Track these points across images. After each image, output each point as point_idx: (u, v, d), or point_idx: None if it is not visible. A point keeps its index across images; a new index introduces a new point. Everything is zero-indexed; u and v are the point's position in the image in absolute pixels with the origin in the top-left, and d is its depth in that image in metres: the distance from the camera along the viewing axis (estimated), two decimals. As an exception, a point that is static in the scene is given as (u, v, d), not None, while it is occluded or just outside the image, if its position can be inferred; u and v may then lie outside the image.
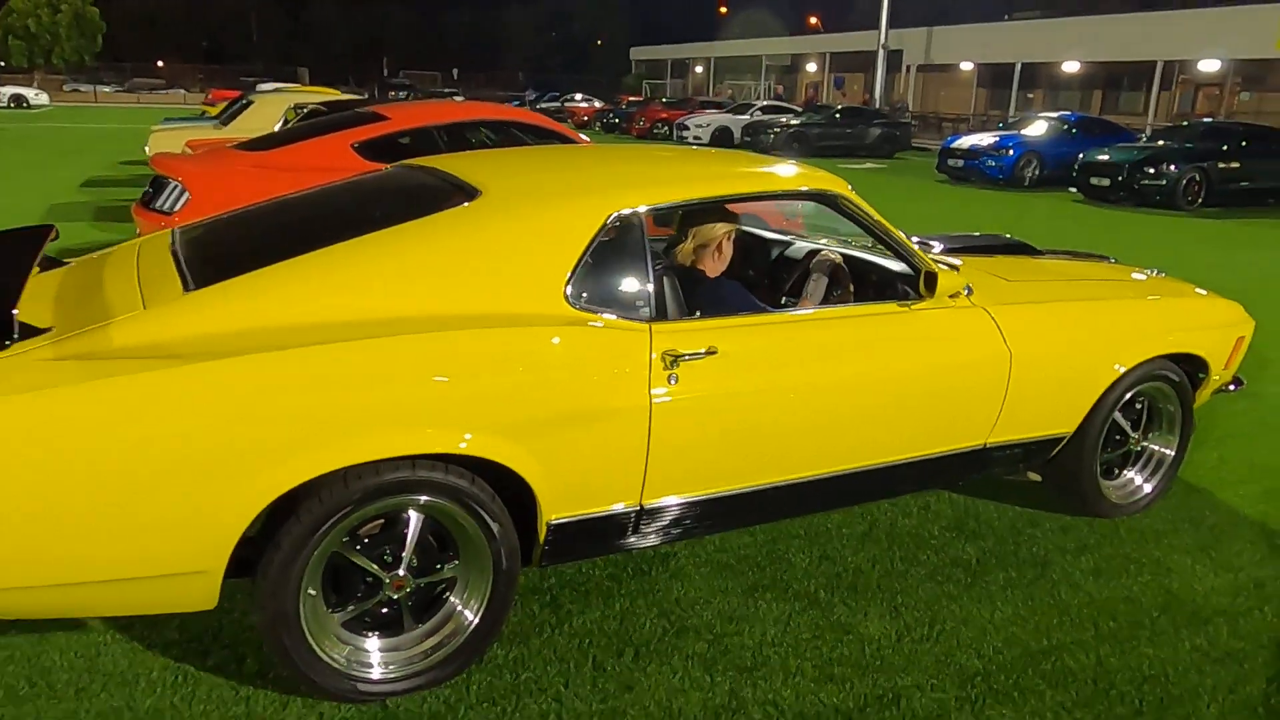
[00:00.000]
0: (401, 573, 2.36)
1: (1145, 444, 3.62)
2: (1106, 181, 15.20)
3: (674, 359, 2.47)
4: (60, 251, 3.06)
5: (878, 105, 31.29)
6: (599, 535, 2.57)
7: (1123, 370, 3.32)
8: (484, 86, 60.69)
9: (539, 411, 2.33)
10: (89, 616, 2.53)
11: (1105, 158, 15.61)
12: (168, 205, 5.30)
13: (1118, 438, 3.53)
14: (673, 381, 2.47)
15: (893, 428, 2.91)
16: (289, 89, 13.82)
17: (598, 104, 39.64)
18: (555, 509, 2.43)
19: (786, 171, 2.98)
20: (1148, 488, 3.60)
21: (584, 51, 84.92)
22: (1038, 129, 18.79)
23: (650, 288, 2.55)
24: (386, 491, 2.22)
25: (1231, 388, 3.81)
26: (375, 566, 2.33)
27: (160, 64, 68.02)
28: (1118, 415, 3.45)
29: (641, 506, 2.56)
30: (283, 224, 2.88)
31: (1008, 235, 4.28)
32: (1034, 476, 3.71)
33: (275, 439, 2.07)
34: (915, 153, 26.01)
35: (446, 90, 48.13)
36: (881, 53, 33.93)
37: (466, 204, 2.53)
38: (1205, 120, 19.19)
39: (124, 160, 16.37)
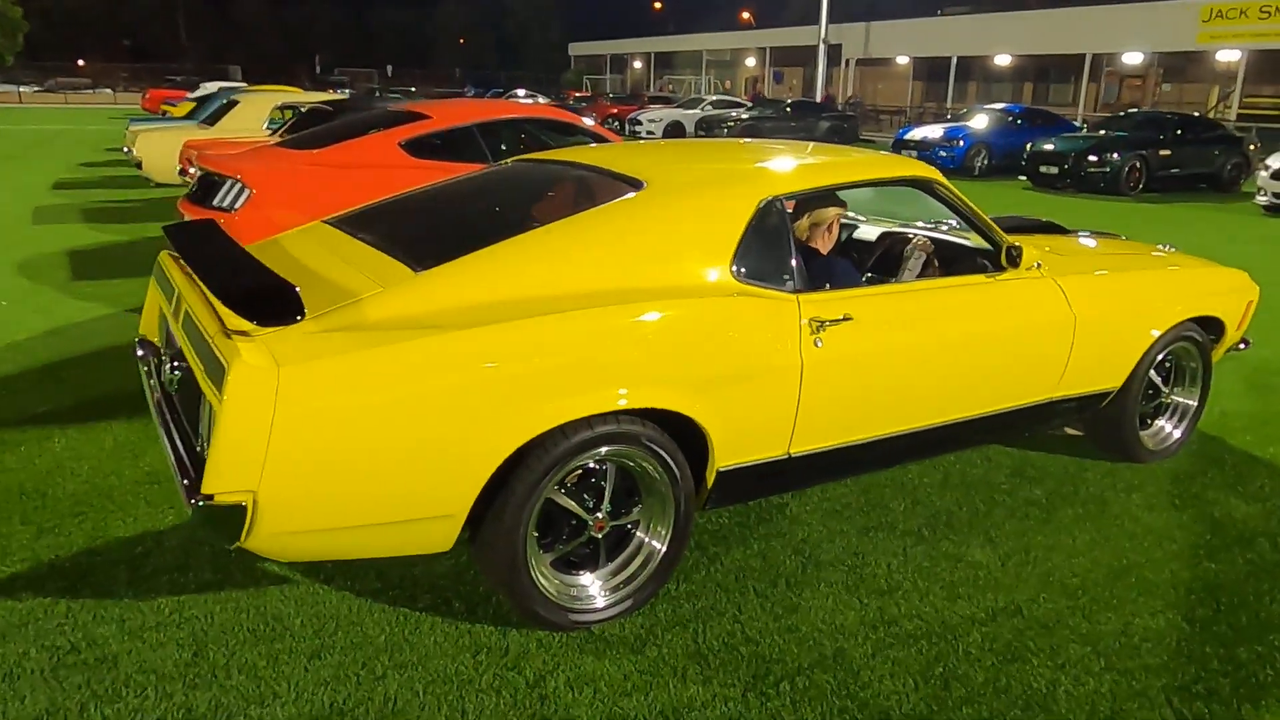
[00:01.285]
0: (601, 515, 2.70)
1: (1173, 397, 4.11)
2: (1054, 169, 16.02)
3: (819, 324, 2.85)
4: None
5: (819, 99, 32.05)
6: (754, 481, 2.94)
7: (1159, 333, 3.80)
8: (420, 84, 60.13)
9: (716, 371, 2.69)
10: (345, 559, 2.78)
11: (1052, 147, 16.44)
12: (227, 202, 5.49)
13: (1150, 392, 4.01)
14: (818, 345, 2.85)
15: (986, 383, 3.34)
16: (267, 90, 13.79)
17: (542, 100, 39.76)
18: (724, 458, 2.79)
19: (888, 161, 3.38)
20: (1177, 434, 4.10)
21: (518, 48, 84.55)
22: (984, 121, 19.61)
23: (794, 263, 2.92)
24: (596, 443, 2.55)
25: (1241, 346, 4.33)
26: (581, 510, 2.66)
27: (81, 63, 65.88)
28: (1152, 372, 3.93)
29: (789, 455, 2.94)
30: (464, 212, 3.19)
31: (1043, 218, 4.75)
32: (1073, 431, 4.20)
33: (517, 397, 2.39)
34: (862, 145, 26.78)
35: (394, 90, 47.60)
36: (822, 47, 34.75)
37: (636, 193, 2.87)
38: (1143, 111, 20.21)
39: (83, 162, 16.12)
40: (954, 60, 34.38)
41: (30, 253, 7.94)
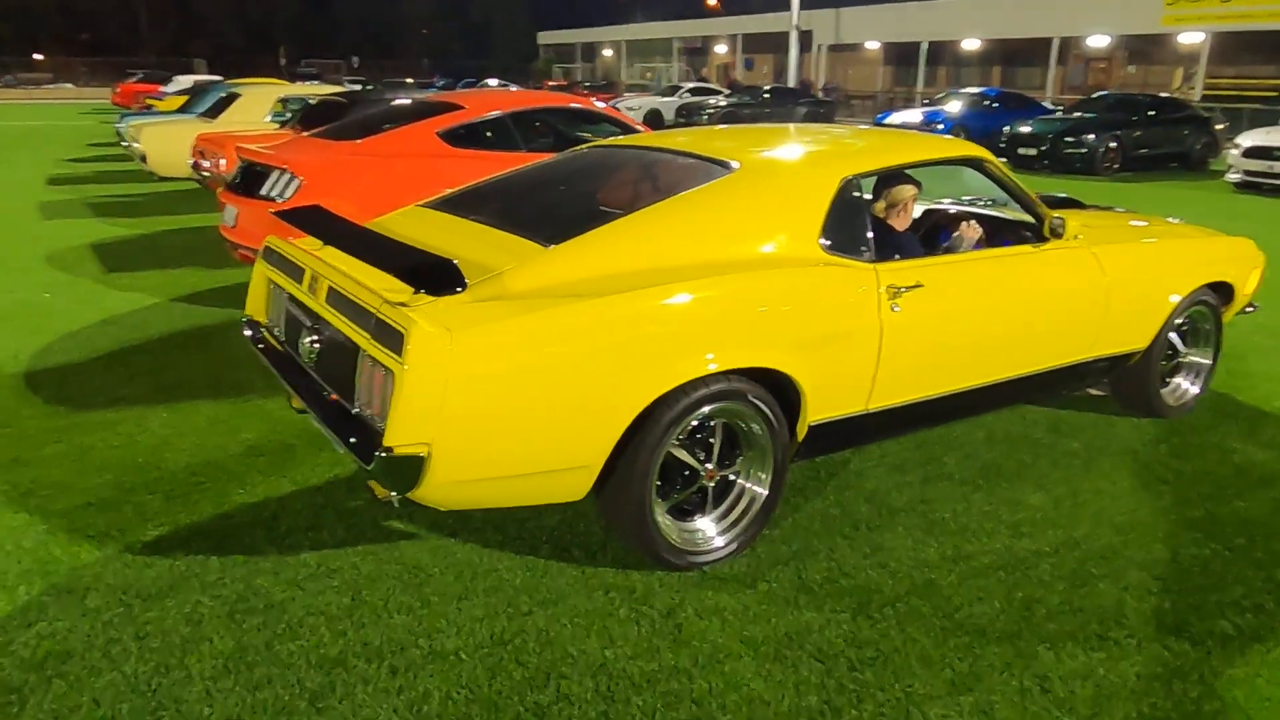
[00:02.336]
0: (711, 466, 2.98)
1: (1190, 356, 4.47)
2: (1033, 151, 16.48)
3: (895, 291, 3.15)
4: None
5: (793, 84, 32.42)
6: (837, 435, 3.23)
7: (1179, 297, 4.15)
8: (387, 74, 59.71)
9: (811, 333, 2.98)
10: (495, 507, 3.02)
11: (1030, 129, 16.92)
12: (275, 192, 5.67)
13: (1170, 352, 4.36)
14: (895, 309, 3.14)
15: (1035, 344, 3.66)
16: (266, 83, 13.84)
17: (513, 88, 39.72)
18: (815, 413, 3.09)
19: (947, 142, 3.69)
20: (1193, 390, 4.46)
21: (485, 36, 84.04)
22: (962, 105, 20.05)
23: (870, 236, 3.21)
24: (711, 399, 2.82)
25: (1249, 309, 4.70)
26: (694, 461, 2.94)
27: (39, 57, 64.61)
28: (1172, 333, 4.28)
29: (868, 411, 3.24)
30: (568, 194, 3.50)
31: (1062, 194, 5.08)
32: (1095, 391, 4.55)
33: (650, 356, 2.66)
34: (838, 130, 27.17)
35: (358, 80, 47.21)
36: (794, 33, 35.10)
37: (729, 174, 3.14)
38: (1115, 93, 20.74)
39: (70, 158, 16.04)
40: (924, 45, 34.86)
41: (52, 247, 8.05)
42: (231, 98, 11.57)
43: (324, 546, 3.07)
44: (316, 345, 2.90)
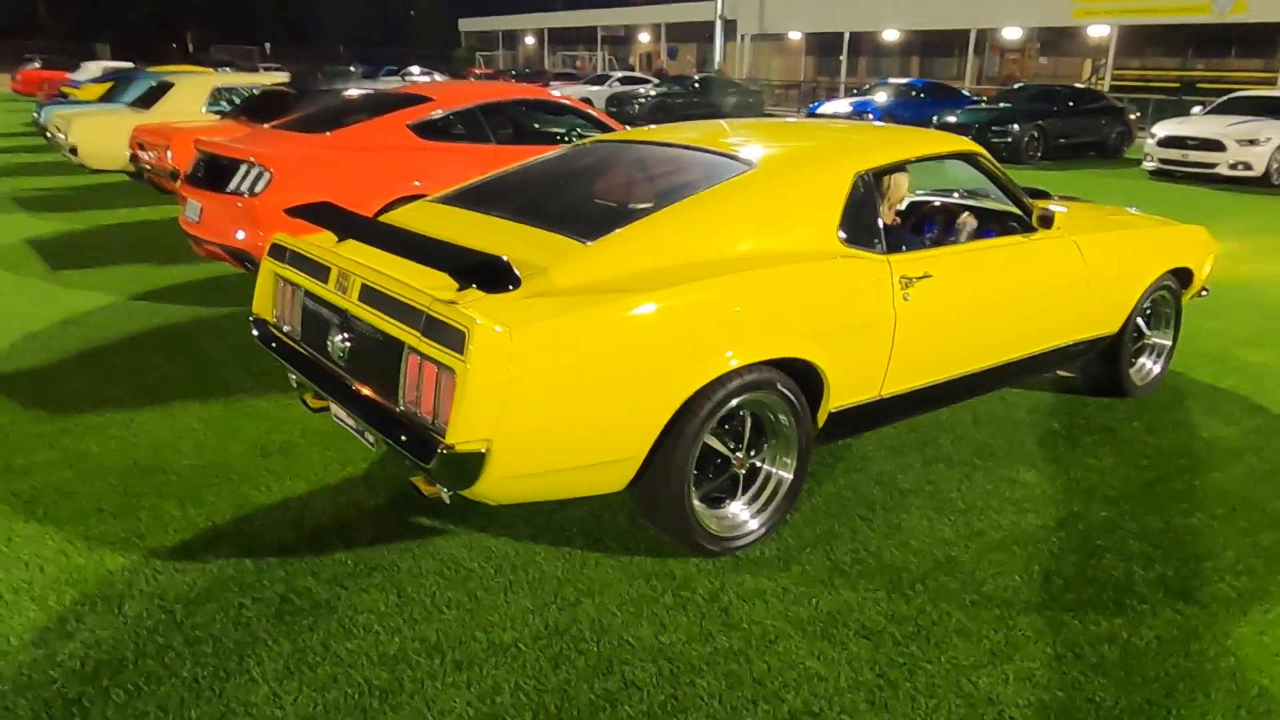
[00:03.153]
0: (740, 454, 3.07)
1: (1154, 338, 4.73)
2: (961, 141, 16.98)
3: (907, 281, 3.28)
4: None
5: (715, 73, 32.64)
6: (854, 421, 3.35)
7: (1147, 283, 4.39)
8: (302, 61, 58.08)
9: (834, 323, 3.08)
10: (545, 500, 3.01)
11: (956, 119, 17.45)
12: (245, 186, 5.54)
13: (1135, 334, 4.61)
14: (906, 299, 3.27)
15: (1027, 329, 3.84)
16: (194, 72, 13.36)
17: (439, 77, 39.08)
18: (835, 401, 3.20)
19: (943, 138, 3.83)
20: (1156, 370, 4.73)
21: (402, 24, 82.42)
22: (889, 95, 20.53)
23: (881, 228, 3.33)
24: (746, 389, 2.91)
25: (1203, 293, 4.99)
26: (726, 450, 3.02)
27: (-76, 42, 60.99)
28: (1139, 317, 4.53)
29: (881, 397, 3.36)
30: (591, 189, 3.53)
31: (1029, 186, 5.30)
32: (1064, 373, 4.78)
33: (694, 348, 2.73)
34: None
35: (272, 66, 45.70)
36: (719, 23, 35.38)
37: (749, 170, 3.22)
38: (1036, 84, 21.49)
39: (-20, 149, 15.27)
40: (846, 35, 35.50)
41: (-12, 244, 7.70)
42: (164, 87, 11.18)
43: (356, 545, 3.06)
44: (348, 344, 2.88)
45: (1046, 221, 3.82)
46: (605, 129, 6.86)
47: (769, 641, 2.62)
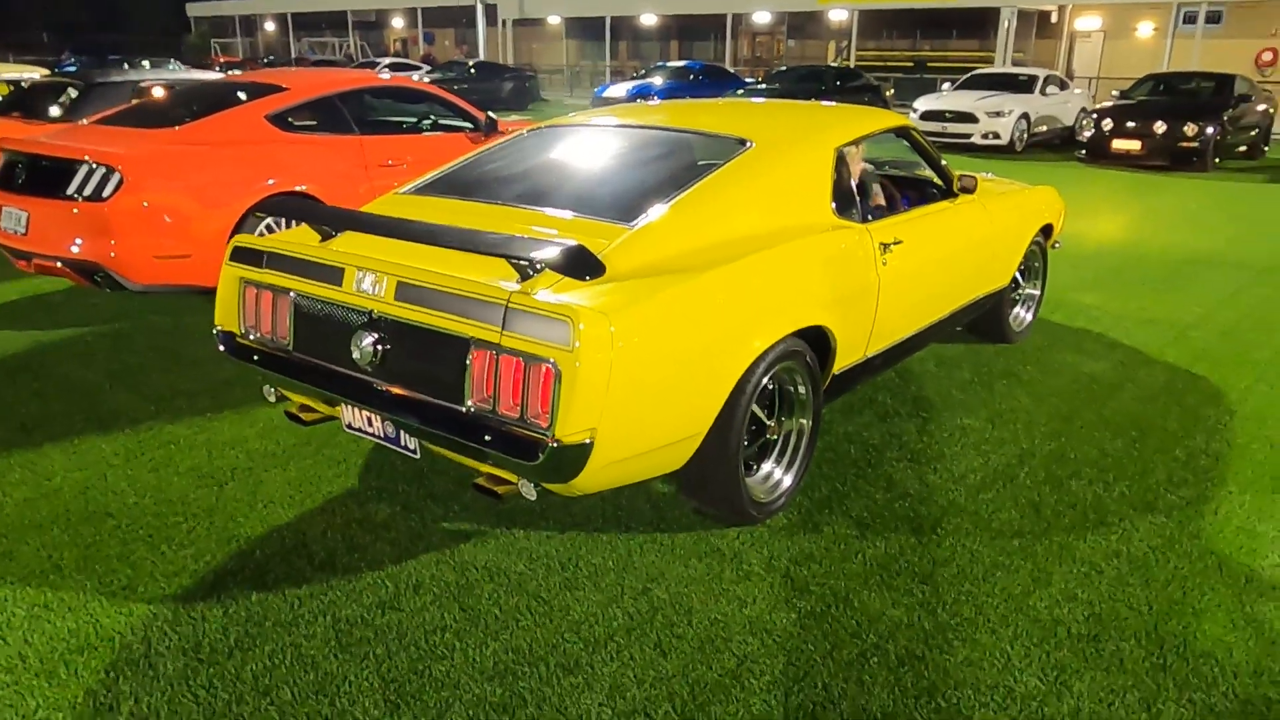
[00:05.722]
0: (773, 423, 3.17)
1: (1026, 289, 5.28)
2: (746, 120, 17.86)
3: (884, 247, 3.49)
4: None
5: (479, 59, 32.15)
6: (847, 381, 3.56)
7: (1028, 239, 4.90)
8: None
9: (840, 290, 3.25)
10: (625, 484, 2.87)
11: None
12: (89, 190, 4.89)
13: (1013, 286, 5.13)
14: (885, 264, 3.49)
15: (961, 284, 4.22)
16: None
17: (198, 74, 35.76)
18: (839, 363, 3.37)
19: (887, 115, 4.14)
20: (1029, 318, 5.29)
21: (116, 10, 74.64)
22: (668, 77, 21.16)
23: (858, 199, 3.52)
24: (782, 358, 2.99)
25: (1056, 246, 5.61)
26: (764, 417, 3.11)
27: None
28: (1017, 271, 5.04)
29: (867, 357, 3.57)
30: (603, 171, 3.50)
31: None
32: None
33: (753, 320, 2.82)
34: (545, 104, 27.53)
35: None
36: (480, 7, 34.86)
37: (748, 149, 3.28)
38: (805, 65, 22.90)
39: None
40: (608, 20, 36.05)
41: None
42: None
43: (381, 564, 2.86)
44: (382, 346, 2.67)
45: (969, 188, 4.18)
46: (469, 116, 6.66)
47: (843, 598, 2.73)
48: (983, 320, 5.01)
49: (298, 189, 5.42)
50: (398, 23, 49.22)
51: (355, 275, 2.73)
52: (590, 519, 3.16)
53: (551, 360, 2.33)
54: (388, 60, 30.07)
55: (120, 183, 4.89)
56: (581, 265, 2.44)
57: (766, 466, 3.20)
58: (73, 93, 7.99)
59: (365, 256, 2.76)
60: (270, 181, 5.34)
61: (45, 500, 3.26)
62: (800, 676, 2.39)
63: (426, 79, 25.45)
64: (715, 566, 2.89)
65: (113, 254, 4.92)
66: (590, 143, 3.73)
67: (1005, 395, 4.39)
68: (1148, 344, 5.21)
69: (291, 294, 2.92)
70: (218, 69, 33.75)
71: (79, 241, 4.96)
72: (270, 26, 55.49)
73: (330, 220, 2.94)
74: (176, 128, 5.37)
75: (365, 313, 2.72)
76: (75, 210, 4.94)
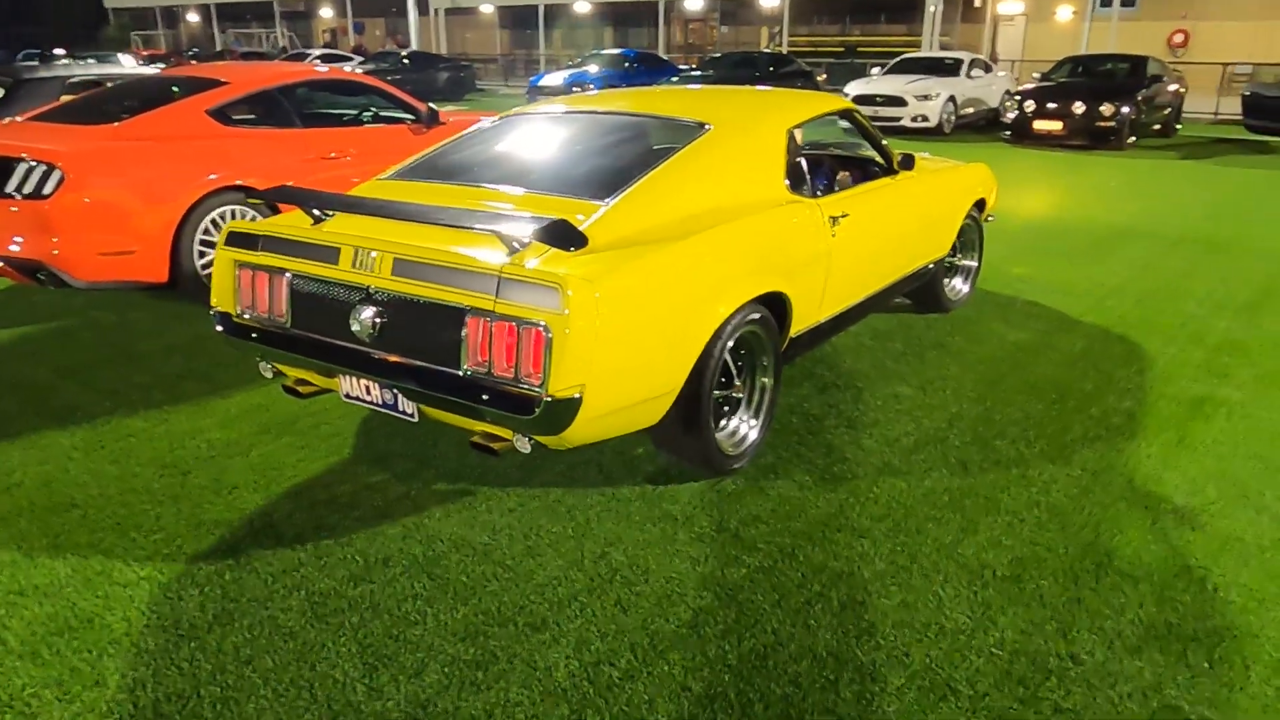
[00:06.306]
0: (739, 381, 3.40)
1: (963, 260, 5.56)
2: (682, 107, 18.06)
3: (833, 220, 3.73)
4: None
5: (413, 49, 31.83)
6: (802, 345, 3.82)
7: (963, 213, 5.18)
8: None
9: (793, 260, 3.50)
10: (607, 439, 3.04)
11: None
12: (29, 188, 4.87)
13: (951, 254, 5.40)
14: (834, 236, 3.73)
15: (903, 255, 4.50)
16: None
17: (94, 65, 34.72)
18: (795, 327, 3.60)
19: (831, 99, 4.37)
20: (965, 289, 5.58)
21: (31, 1, 71.85)
22: (604, 65, 21.24)
23: (809, 176, 3.75)
24: (746, 321, 3.22)
25: (989, 219, 5.89)
26: (732, 374, 3.34)
27: None
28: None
29: (820, 323, 3.82)
30: (571, 154, 3.69)
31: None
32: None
33: (721, 285, 3.05)
34: (481, 94, 27.41)
35: None
36: (412, -4, 34.39)
37: (707, 132, 3.49)
38: (739, 51, 23.15)
39: None
40: (541, 8, 35.92)
41: None
42: None
43: (350, 542, 2.98)
44: (380, 319, 2.83)
45: (908, 164, 4.44)
46: (411, 107, 6.72)
47: (789, 554, 2.93)
48: (921, 290, 5.27)
49: (240, 183, 5.46)
50: (326, 13, 48.36)
51: (352, 254, 2.87)
52: (549, 492, 3.31)
53: (543, 323, 2.53)
54: (318, 51, 29.59)
55: (61, 180, 4.87)
56: (567, 237, 2.64)
57: (734, 422, 3.44)
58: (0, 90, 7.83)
59: (360, 236, 2.92)
60: (212, 176, 5.38)
61: (7, 494, 3.30)
62: (751, 624, 2.58)
63: (359, 70, 25.17)
64: (669, 530, 3.07)
65: (56, 251, 4.91)
66: (559, 128, 3.90)
67: (935, 364, 4.65)
68: (1068, 312, 5.53)
69: (288, 274, 3.05)
70: (139, 63, 32.91)
71: (20, 240, 4.94)
72: (193, 18, 54.08)
73: (324, 204, 3.08)
74: (116, 124, 5.35)
75: (363, 289, 2.87)
76: (15, 209, 4.91)
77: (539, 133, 3.90)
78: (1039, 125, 14.65)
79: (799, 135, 4.09)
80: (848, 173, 4.64)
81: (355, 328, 2.85)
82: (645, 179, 3.15)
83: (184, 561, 2.87)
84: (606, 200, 3.04)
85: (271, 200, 3.12)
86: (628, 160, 3.43)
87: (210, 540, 2.99)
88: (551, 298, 2.51)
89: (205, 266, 5.38)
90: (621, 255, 2.77)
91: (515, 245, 2.65)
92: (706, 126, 3.51)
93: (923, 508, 3.22)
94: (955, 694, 2.32)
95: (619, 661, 2.43)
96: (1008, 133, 15.25)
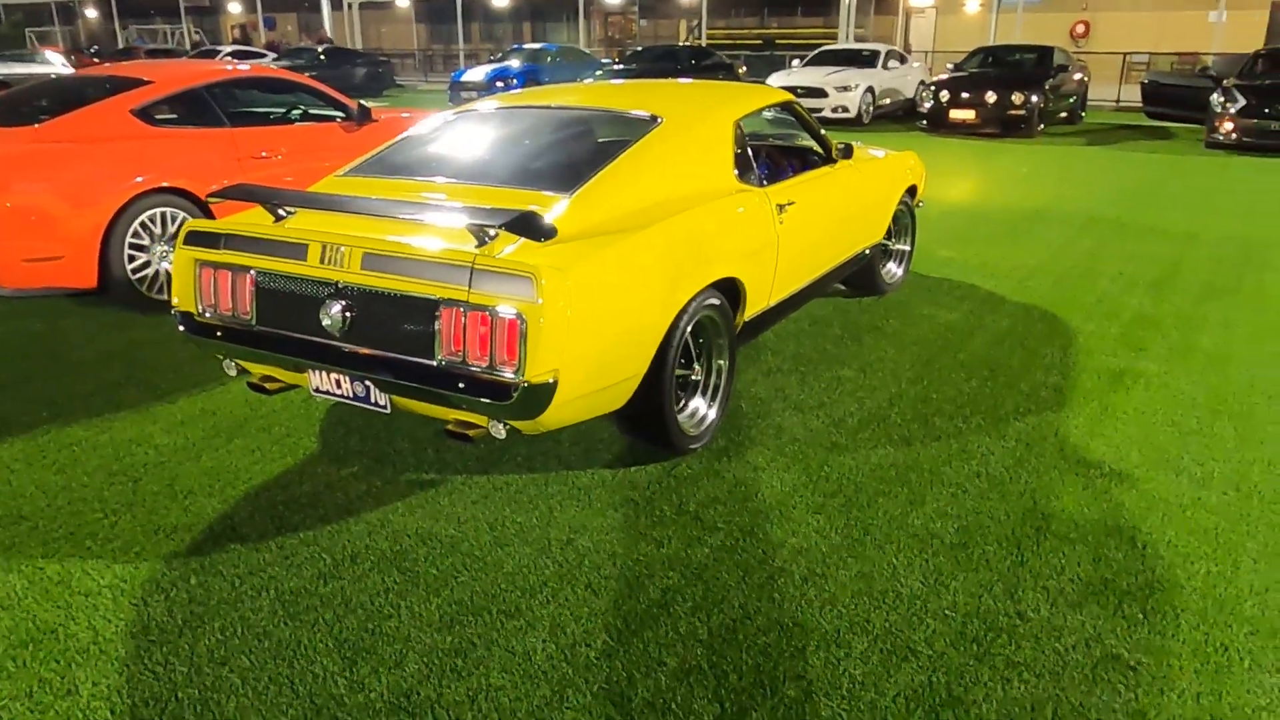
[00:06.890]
0: (698, 364, 3.51)
1: (897, 245, 5.76)
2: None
3: (780, 208, 3.86)
4: None
5: (330, 45, 31.22)
6: (754, 328, 3.95)
7: (896, 198, 5.37)
8: None
9: (747, 246, 3.62)
10: (578, 422, 3.07)
11: (598, 81, 18.49)
12: (-54, 195, 4.70)
13: (885, 241, 5.59)
14: (781, 223, 3.85)
15: (843, 240, 4.66)
16: None
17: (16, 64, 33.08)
18: (748, 311, 3.72)
19: (772, 92, 4.48)
20: (900, 272, 5.79)
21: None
22: (526, 60, 21.16)
23: (756, 165, 3.87)
24: (704, 306, 3.32)
25: (920, 204, 6.09)
26: (692, 357, 3.45)
27: None
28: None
29: (770, 306, 3.95)
30: (530, 148, 3.72)
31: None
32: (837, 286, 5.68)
33: (682, 271, 3.14)
34: (400, 90, 27.02)
35: None
36: (325, -10, 33.69)
37: (659, 125, 3.58)
38: (661, 45, 23.26)
39: None
40: (459, 2, 35.54)
41: None
42: None
43: (315, 540, 2.99)
44: (350, 313, 2.85)
45: (847, 153, 4.61)
46: (340, 104, 6.65)
47: (749, 532, 3.04)
48: (860, 274, 5.45)
49: (168, 185, 5.34)
50: (234, 8, 46.92)
51: (320, 249, 2.88)
52: (510, 483, 3.36)
53: (517, 311, 2.59)
54: (229, 48, 28.74)
55: (-22, 185, 4.71)
56: (538, 229, 2.71)
57: (694, 403, 3.55)
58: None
59: (327, 232, 2.92)
60: (139, 179, 5.25)
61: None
62: (719, 600, 2.68)
63: (274, 66, 24.56)
64: (631, 515, 3.15)
65: (-23, 260, 4.75)
66: (514, 122, 3.94)
67: (873, 347, 4.82)
68: (994, 292, 5.78)
69: (252, 271, 3.03)
70: (69, 62, 31.47)
71: (-62, 248, 4.75)
72: (92, 13, 51.91)
73: (289, 202, 3.07)
74: (36, 126, 5.19)
75: (331, 284, 2.88)
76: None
77: (497, 127, 3.93)
78: (954, 114, 15.13)
79: (743, 126, 4.21)
80: (790, 162, 4.77)
81: (325, 322, 2.87)
82: (604, 171, 3.23)
83: (145, 568, 2.84)
84: (569, 192, 3.11)
85: (234, 199, 3.09)
86: (586, 154, 3.50)
87: (170, 546, 2.96)
88: (525, 287, 2.57)
89: (136, 270, 5.25)
90: (590, 244, 2.84)
91: (485, 237, 2.71)
92: (658, 120, 3.60)
93: (871, 483, 3.36)
94: (915, 654, 2.45)
95: (595, 642, 2.50)
96: (924, 122, 15.70)
